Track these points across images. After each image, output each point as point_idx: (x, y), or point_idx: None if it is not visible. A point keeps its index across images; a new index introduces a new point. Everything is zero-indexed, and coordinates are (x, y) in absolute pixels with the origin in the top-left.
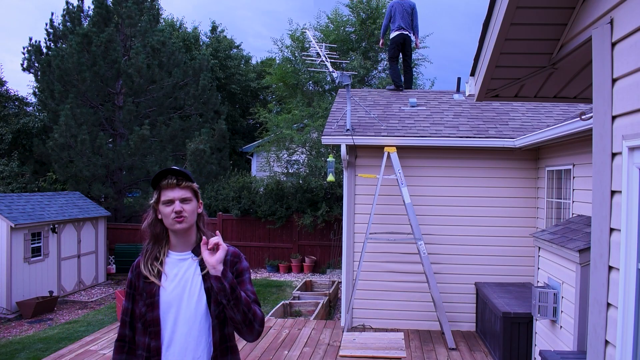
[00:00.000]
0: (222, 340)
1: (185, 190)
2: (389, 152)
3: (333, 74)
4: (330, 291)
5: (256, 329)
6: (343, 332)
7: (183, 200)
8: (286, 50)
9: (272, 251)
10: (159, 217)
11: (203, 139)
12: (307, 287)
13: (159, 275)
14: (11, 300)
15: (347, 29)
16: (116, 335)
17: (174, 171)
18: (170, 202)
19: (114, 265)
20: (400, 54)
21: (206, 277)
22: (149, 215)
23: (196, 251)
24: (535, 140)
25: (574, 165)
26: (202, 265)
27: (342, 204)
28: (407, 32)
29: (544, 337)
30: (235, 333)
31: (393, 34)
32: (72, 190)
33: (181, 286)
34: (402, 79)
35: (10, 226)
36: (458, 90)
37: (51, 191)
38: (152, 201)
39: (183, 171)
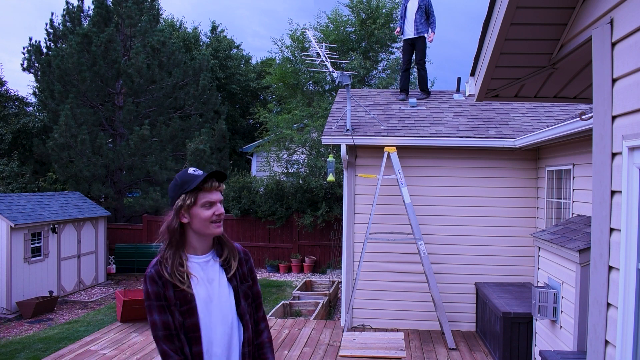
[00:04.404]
0: (249, 341)
1: (220, 192)
2: (389, 152)
3: (333, 74)
4: (330, 291)
5: None
6: (343, 332)
7: (220, 202)
8: (286, 50)
9: (272, 251)
10: (184, 221)
11: (203, 139)
12: (307, 287)
13: (189, 280)
14: (11, 300)
15: (347, 29)
16: (116, 334)
17: (218, 174)
18: (212, 204)
19: (114, 265)
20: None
21: (231, 277)
22: (171, 219)
23: (217, 252)
24: (535, 140)
25: (574, 165)
26: (223, 265)
27: (342, 204)
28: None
29: (544, 337)
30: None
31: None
32: (72, 190)
33: (210, 288)
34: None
35: (10, 226)
36: (458, 90)
37: (51, 191)
38: (179, 205)
39: (224, 173)
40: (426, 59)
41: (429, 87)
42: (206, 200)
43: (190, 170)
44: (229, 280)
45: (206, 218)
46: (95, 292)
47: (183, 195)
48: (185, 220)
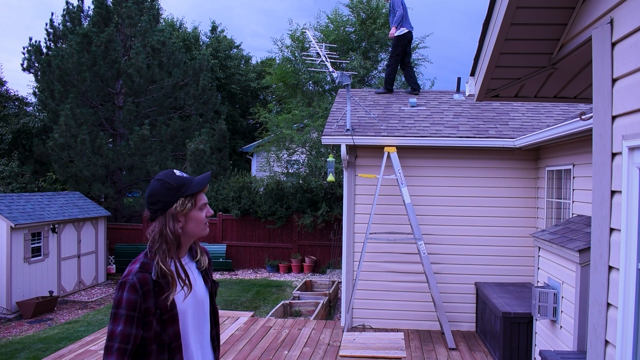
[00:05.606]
0: (217, 335)
1: None
2: (389, 152)
3: (333, 74)
4: (330, 291)
5: None
6: (343, 332)
7: None
8: (286, 50)
9: (272, 251)
10: (181, 225)
11: (203, 139)
12: (307, 287)
13: (169, 286)
14: (11, 300)
15: (347, 29)
16: None
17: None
18: (205, 205)
19: (114, 265)
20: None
21: (206, 278)
22: (172, 224)
23: (193, 254)
24: (535, 140)
25: (574, 165)
26: (199, 267)
27: (342, 204)
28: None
29: (544, 337)
30: None
31: (404, 31)
32: (72, 190)
33: (190, 292)
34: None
35: (10, 226)
36: (458, 90)
37: (51, 191)
38: (178, 209)
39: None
40: (392, 56)
41: (422, 87)
42: (202, 202)
43: (177, 172)
44: (205, 281)
45: (202, 220)
46: (95, 292)
47: (182, 199)
48: (179, 225)
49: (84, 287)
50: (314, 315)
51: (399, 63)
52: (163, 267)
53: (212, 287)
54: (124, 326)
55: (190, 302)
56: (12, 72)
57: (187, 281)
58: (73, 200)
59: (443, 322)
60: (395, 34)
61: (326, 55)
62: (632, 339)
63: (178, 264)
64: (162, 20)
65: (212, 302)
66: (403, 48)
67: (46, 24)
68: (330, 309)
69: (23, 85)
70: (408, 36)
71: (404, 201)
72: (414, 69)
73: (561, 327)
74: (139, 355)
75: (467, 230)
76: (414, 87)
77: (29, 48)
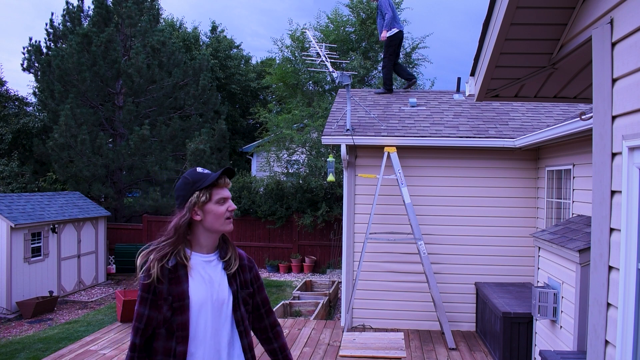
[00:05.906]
0: (250, 347)
1: (228, 189)
2: (389, 152)
3: (333, 74)
4: (330, 291)
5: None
6: (343, 332)
7: (231, 199)
8: (286, 50)
9: (272, 251)
10: (197, 218)
11: (203, 139)
12: (307, 287)
13: (186, 277)
14: (11, 300)
15: (347, 29)
16: (116, 334)
17: (229, 171)
18: (225, 200)
19: (114, 265)
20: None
21: (231, 280)
22: (182, 216)
23: (222, 253)
24: (535, 140)
25: (574, 165)
26: (226, 268)
27: (342, 204)
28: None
29: (544, 337)
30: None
31: (395, 31)
32: (72, 190)
33: (209, 288)
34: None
35: (10, 226)
36: (458, 90)
37: (51, 191)
38: (193, 201)
39: (234, 170)
40: (385, 56)
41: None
42: (220, 196)
43: (199, 169)
44: (229, 283)
45: (220, 214)
46: (95, 292)
47: (197, 192)
48: (198, 218)
49: (84, 287)
50: (314, 315)
51: (393, 62)
52: (149, 251)
53: (239, 293)
54: (139, 306)
55: (208, 299)
56: (12, 72)
57: (156, 276)
58: (73, 200)
59: (443, 322)
60: (387, 35)
61: (326, 55)
62: (632, 339)
63: (165, 256)
64: (162, 20)
65: (236, 309)
66: (395, 48)
67: (46, 24)
68: (330, 309)
69: (23, 85)
70: (399, 35)
71: (404, 201)
72: (414, 69)
73: (561, 327)
74: (150, 337)
75: (467, 230)
76: (409, 78)
77: (29, 48)
